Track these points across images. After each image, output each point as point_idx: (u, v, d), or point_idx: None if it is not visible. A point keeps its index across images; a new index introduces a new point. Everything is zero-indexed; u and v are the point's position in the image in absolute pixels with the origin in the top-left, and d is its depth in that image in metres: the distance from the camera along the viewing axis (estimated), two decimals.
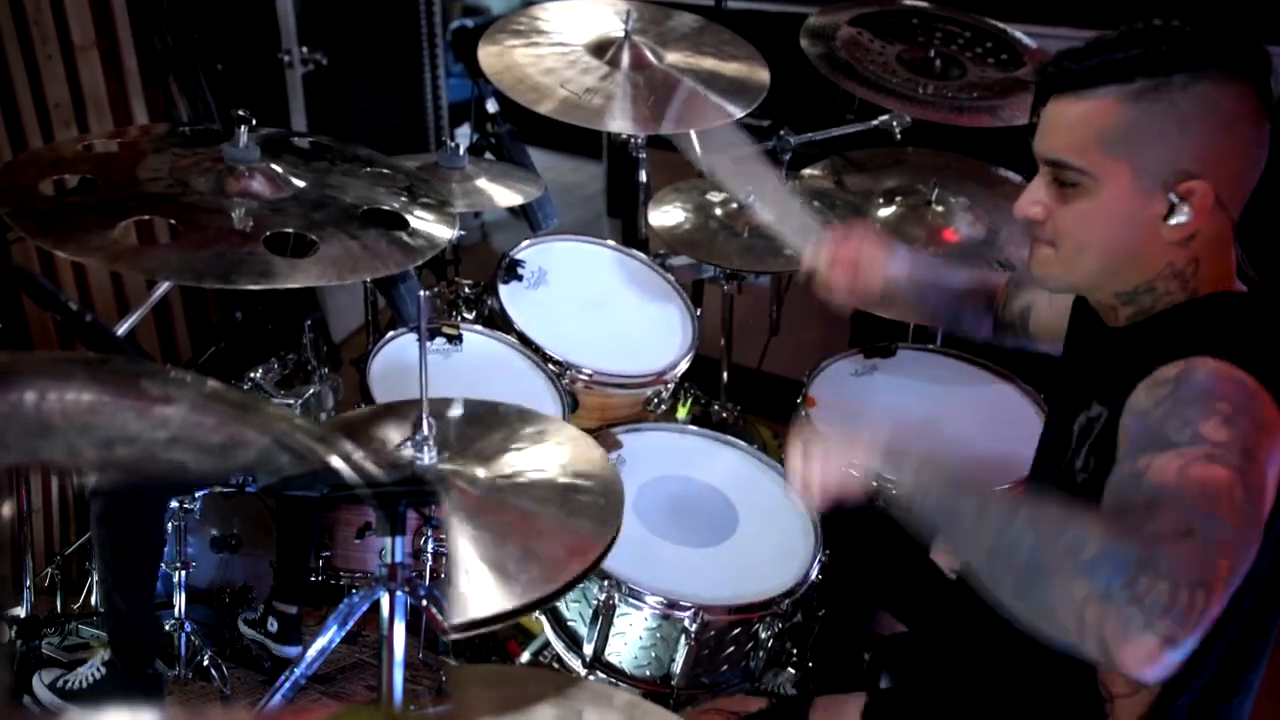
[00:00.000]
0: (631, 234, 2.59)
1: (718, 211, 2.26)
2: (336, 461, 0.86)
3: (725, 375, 2.45)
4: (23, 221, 1.36)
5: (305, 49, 3.15)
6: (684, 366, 2.04)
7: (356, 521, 1.93)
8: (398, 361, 1.87)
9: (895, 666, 1.56)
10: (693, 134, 1.97)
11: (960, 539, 1.06)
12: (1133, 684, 1.09)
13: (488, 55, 2.06)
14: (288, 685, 1.37)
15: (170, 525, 1.83)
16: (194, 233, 1.43)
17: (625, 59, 2.11)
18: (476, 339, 1.97)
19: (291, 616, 1.98)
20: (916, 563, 1.55)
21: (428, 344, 1.27)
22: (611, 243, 2.28)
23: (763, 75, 2.14)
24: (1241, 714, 1.12)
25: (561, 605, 1.62)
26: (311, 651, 1.37)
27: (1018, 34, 2.31)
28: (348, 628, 1.36)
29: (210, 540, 2.01)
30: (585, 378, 1.90)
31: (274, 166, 1.60)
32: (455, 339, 1.93)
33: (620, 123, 1.99)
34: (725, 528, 1.69)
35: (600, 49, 2.14)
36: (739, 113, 2.01)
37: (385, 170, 1.77)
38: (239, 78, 2.87)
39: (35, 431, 0.66)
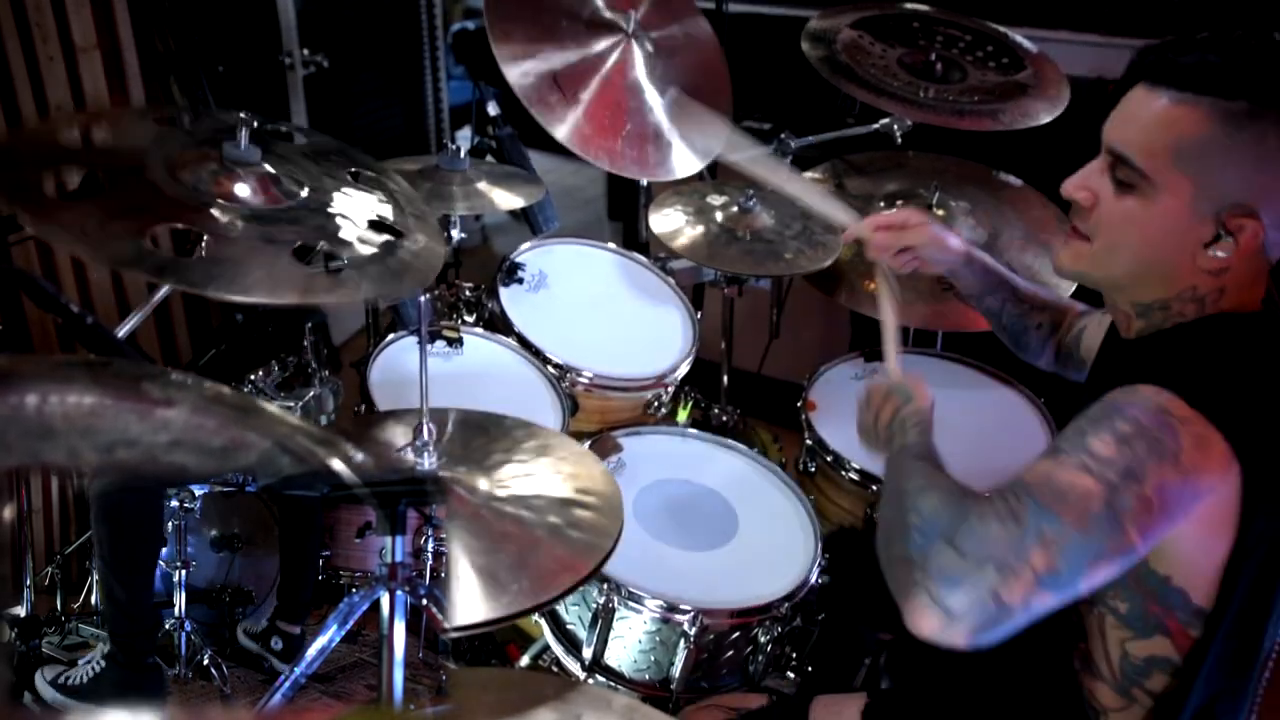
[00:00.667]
0: (632, 237, 2.59)
1: (718, 216, 2.26)
2: (337, 464, 0.86)
3: (725, 378, 2.44)
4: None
5: (306, 51, 3.15)
6: (684, 370, 2.04)
7: (357, 521, 1.93)
8: (398, 364, 1.87)
9: (895, 668, 1.55)
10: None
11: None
12: (1120, 699, 1.09)
13: None
14: (288, 684, 1.37)
15: (170, 525, 1.83)
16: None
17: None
18: (477, 342, 1.97)
19: (295, 637, 1.97)
20: None
21: (428, 347, 1.28)
22: (612, 246, 2.28)
23: None
24: None
25: (561, 608, 1.62)
26: (311, 651, 1.37)
27: (1018, 38, 2.31)
28: (348, 627, 1.36)
29: (210, 540, 2.01)
30: (586, 381, 1.91)
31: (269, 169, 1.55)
32: (456, 342, 1.93)
33: None
34: (725, 531, 1.69)
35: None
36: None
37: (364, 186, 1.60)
38: (240, 79, 2.88)
39: (37, 434, 0.66)
